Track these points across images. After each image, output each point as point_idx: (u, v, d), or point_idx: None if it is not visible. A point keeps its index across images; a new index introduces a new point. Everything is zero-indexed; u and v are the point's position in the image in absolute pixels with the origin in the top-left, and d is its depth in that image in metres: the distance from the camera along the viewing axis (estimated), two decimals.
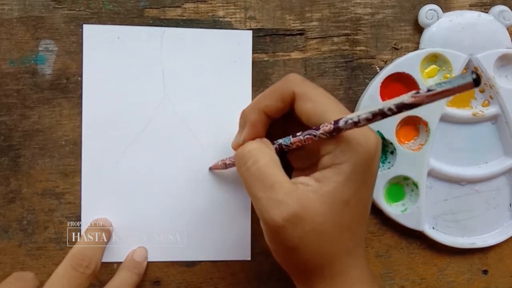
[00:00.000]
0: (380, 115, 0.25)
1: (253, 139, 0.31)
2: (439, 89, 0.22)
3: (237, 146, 0.31)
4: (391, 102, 0.24)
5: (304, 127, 0.29)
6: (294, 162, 0.33)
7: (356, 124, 0.26)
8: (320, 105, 0.28)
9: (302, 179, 0.28)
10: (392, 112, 0.24)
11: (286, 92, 0.30)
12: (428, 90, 0.22)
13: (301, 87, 0.29)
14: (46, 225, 0.36)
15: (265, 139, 0.31)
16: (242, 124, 0.32)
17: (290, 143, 0.30)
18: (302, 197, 0.27)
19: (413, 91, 0.23)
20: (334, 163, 0.27)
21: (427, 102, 0.23)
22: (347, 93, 0.38)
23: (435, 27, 0.37)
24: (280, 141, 0.30)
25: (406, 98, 0.23)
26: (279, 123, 0.31)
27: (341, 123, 0.27)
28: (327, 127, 0.27)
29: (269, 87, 0.31)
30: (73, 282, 0.31)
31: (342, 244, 0.28)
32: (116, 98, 0.36)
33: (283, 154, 0.32)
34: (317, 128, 0.28)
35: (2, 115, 0.36)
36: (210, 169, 0.37)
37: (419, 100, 0.23)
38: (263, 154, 0.29)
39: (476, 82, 0.21)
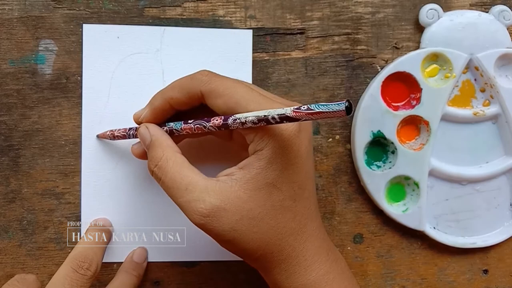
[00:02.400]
0: (265, 121, 0.26)
1: (151, 121, 0.32)
2: (315, 110, 0.24)
3: (136, 118, 0.32)
4: (276, 112, 0.26)
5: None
6: (234, 158, 0.33)
7: (243, 124, 0.27)
8: (230, 99, 0.29)
9: (228, 170, 0.29)
10: (275, 121, 0.26)
11: (193, 91, 0.30)
12: (308, 109, 0.24)
13: (207, 85, 0.29)
14: (46, 225, 0.36)
15: (156, 134, 0.31)
16: (148, 104, 0.32)
17: (181, 128, 0.30)
18: (222, 189, 0.28)
19: (295, 106, 0.25)
20: (256, 150, 0.28)
21: (306, 119, 0.25)
22: (348, 93, 0.38)
23: (436, 26, 0.37)
24: (171, 124, 0.31)
25: (289, 111, 0.25)
26: (199, 111, 0.31)
27: (229, 121, 0.28)
28: (216, 121, 0.29)
29: (179, 79, 0.31)
30: (74, 284, 0.31)
31: (283, 226, 0.29)
32: (116, 97, 0.36)
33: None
34: (208, 120, 0.29)
35: (2, 115, 0.36)
36: (97, 136, 0.36)
37: (299, 115, 0.25)
38: (169, 162, 0.29)
39: (348, 110, 0.23)
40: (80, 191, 0.36)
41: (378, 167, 0.38)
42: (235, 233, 0.28)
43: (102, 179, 0.36)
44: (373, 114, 0.37)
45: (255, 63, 0.37)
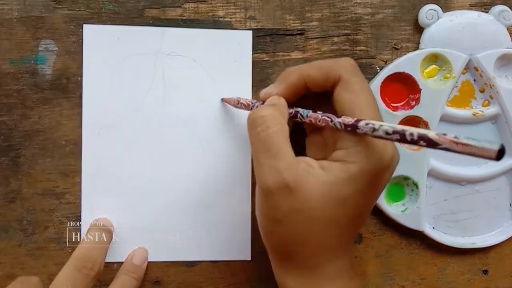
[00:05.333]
0: (399, 135, 0.25)
1: (284, 97, 0.31)
2: (463, 141, 0.22)
3: (265, 96, 0.31)
4: (416, 130, 0.24)
5: (334, 113, 0.29)
6: (309, 150, 0.32)
7: (373, 130, 0.26)
8: (359, 100, 0.29)
9: (309, 160, 0.29)
10: (411, 139, 0.24)
11: (333, 73, 0.30)
12: (455, 137, 0.22)
13: (349, 75, 0.29)
14: (46, 225, 0.36)
15: (283, 103, 0.30)
16: (281, 80, 0.31)
17: (307, 115, 0.30)
18: (300, 175, 0.27)
19: (441, 133, 0.23)
20: (344, 160, 0.28)
21: (446, 147, 0.23)
22: None
23: (435, 27, 0.37)
24: (299, 109, 0.30)
25: (432, 134, 0.23)
26: (311, 102, 0.31)
27: (361, 123, 0.27)
28: (348, 120, 0.27)
29: (319, 61, 0.31)
30: (78, 284, 0.31)
31: (327, 239, 0.29)
32: (116, 98, 0.36)
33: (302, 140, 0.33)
34: (339, 116, 0.28)
35: (2, 115, 0.36)
36: (222, 100, 0.36)
37: (443, 141, 0.23)
38: (275, 122, 0.29)
39: (499, 154, 0.21)
40: (80, 191, 0.36)
41: None
42: (286, 218, 0.28)
43: (102, 179, 0.36)
44: None
45: (255, 63, 0.37)
